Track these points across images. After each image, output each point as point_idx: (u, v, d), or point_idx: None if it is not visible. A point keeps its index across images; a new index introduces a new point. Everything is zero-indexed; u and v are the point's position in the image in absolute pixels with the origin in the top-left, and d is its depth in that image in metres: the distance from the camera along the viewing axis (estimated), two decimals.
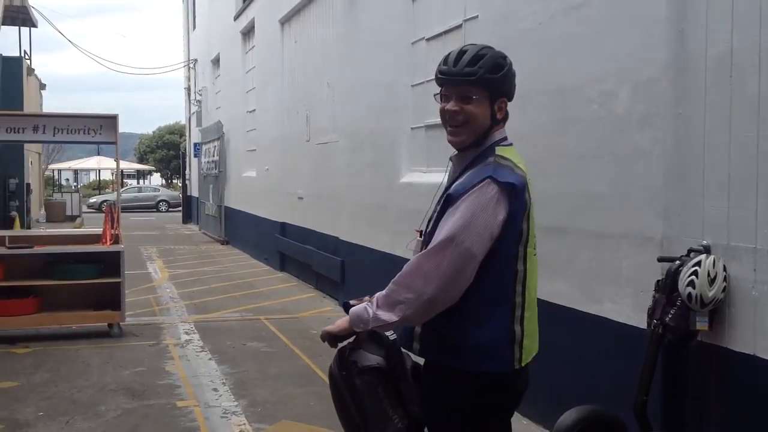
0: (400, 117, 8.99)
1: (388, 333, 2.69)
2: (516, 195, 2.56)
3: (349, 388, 2.69)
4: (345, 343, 2.75)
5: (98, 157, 48.22)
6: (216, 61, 23.80)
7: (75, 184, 60.35)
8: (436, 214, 2.71)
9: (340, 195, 11.31)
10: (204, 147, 24.79)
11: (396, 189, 9.00)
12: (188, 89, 29.09)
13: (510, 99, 2.74)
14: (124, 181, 59.03)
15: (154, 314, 10.69)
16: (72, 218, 29.85)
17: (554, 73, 5.69)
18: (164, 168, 63.83)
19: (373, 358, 2.66)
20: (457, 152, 2.79)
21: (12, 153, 22.66)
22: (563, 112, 5.61)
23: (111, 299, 9.03)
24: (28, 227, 23.39)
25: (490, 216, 2.51)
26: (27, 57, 26.35)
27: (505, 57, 2.72)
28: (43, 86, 31.31)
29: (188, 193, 30.92)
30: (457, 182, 2.66)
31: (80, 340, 8.92)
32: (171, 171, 63.36)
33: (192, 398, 6.72)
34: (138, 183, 57.97)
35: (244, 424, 6.06)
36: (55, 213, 30.98)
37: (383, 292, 2.58)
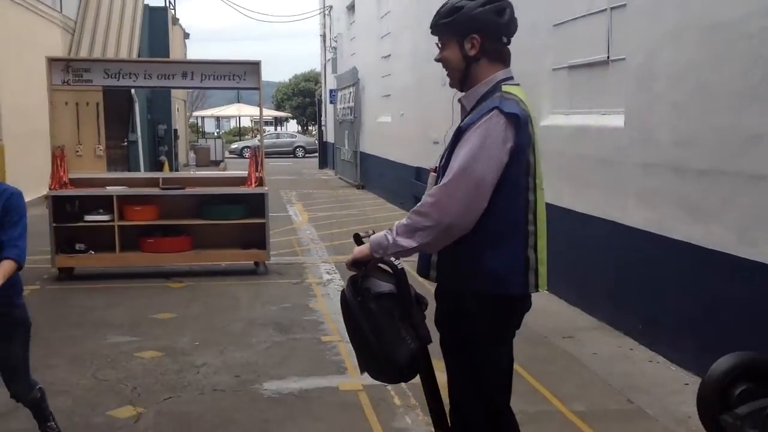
0: (541, 58, 8.78)
1: (396, 263, 2.82)
2: (521, 126, 2.72)
3: (365, 313, 2.83)
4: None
5: (238, 104, 49.79)
6: (351, 8, 23.94)
7: (217, 130, 62.63)
8: (448, 149, 2.87)
9: None
10: (339, 93, 25.13)
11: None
12: (323, 37, 29.44)
13: (488, 36, 2.86)
14: (263, 127, 60.77)
15: (296, 254, 11.07)
16: (216, 163, 31.11)
17: (710, 7, 5.39)
18: (300, 115, 65.14)
19: (385, 286, 2.84)
20: (463, 94, 2.97)
21: (161, 100, 23.78)
22: (720, 49, 5.32)
23: (256, 239, 9.41)
24: (176, 171, 24.56)
25: (498, 144, 2.68)
26: (171, 7, 27.39)
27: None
28: (186, 35, 32.49)
29: (324, 139, 31.54)
30: (467, 118, 2.84)
31: (229, 277, 9.37)
32: (307, 118, 64.62)
33: (335, 333, 6.95)
34: (275, 129, 59.50)
35: None
36: (200, 158, 32.34)
37: (402, 221, 2.77)
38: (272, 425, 4.90)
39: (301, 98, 63.38)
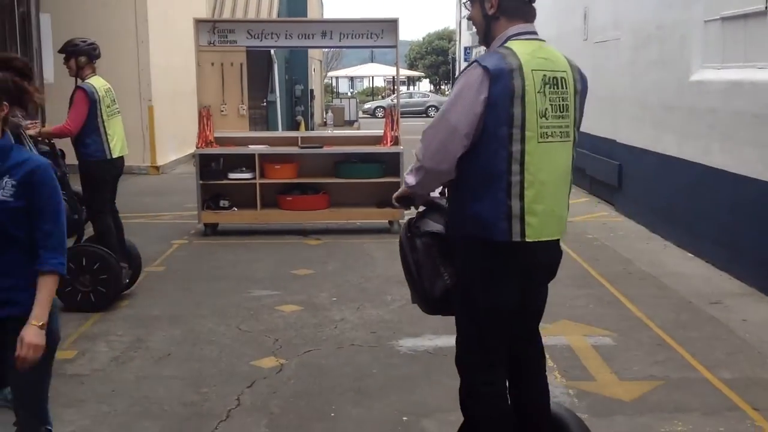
0: (692, 9, 8.29)
1: (443, 201, 3.12)
2: (498, 79, 2.80)
3: (411, 248, 3.15)
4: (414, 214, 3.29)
5: (372, 64, 50.07)
6: None
7: (351, 90, 63.38)
8: None
9: (619, 96, 10.81)
10: (474, 51, 24.79)
11: (685, 87, 8.40)
12: None
13: None
14: (395, 87, 60.94)
15: None
16: (350, 123, 31.49)
17: None
18: (433, 74, 64.90)
19: (434, 225, 3.14)
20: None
21: (298, 61, 24.22)
22: None
23: (391, 198, 9.42)
24: (312, 130, 25.05)
25: (473, 94, 2.81)
26: None
27: None
28: None
29: None
30: None
31: (364, 235, 9.49)
32: (440, 77, 64.32)
33: None
34: (408, 89, 59.63)
35: None
36: (335, 117, 32.83)
37: (416, 155, 3.03)
38: (408, 381, 4.95)
39: (434, 57, 63.08)
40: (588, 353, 5.43)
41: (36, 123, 6.33)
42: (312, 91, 27.34)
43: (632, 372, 5.10)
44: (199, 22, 9.30)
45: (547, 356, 5.28)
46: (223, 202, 9.27)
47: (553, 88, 2.91)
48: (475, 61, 2.90)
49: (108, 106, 6.47)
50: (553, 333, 5.85)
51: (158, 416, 4.43)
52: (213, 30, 9.17)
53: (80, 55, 6.39)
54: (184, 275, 7.54)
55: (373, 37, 9.35)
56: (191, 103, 17.38)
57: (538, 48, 2.96)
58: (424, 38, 67.24)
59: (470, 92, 2.83)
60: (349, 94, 58.11)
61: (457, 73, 30.97)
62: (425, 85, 68.29)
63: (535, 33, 3.02)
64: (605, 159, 11.36)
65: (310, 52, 25.41)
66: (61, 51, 6.48)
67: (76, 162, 6.50)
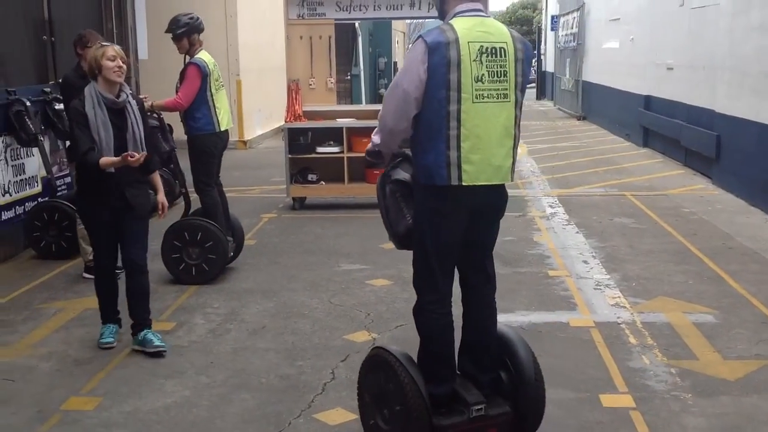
0: None
1: (409, 153, 3.63)
2: (435, 51, 3.31)
3: (383, 194, 3.72)
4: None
5: None
6: None
7: None
8: None
9: (717, 63, 10.36)
10: (562, 19, 24.20)
11: None
12: None
13: None
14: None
15: (517, 187, 10.89)
16: None
17: None
18: None
19: (401, 174, 3.66)
20: None
21: (382, 34, 24.12)
22: None
23: None
24: None
25: (417, 64, 3.34)
26: None
27: None
28: None
29: (542, 69, 30.68)
30: None
31: None
32: None
33: (562, 268, 6.79)
34: None
35: (619, 297, 5.99)
36: None
37: (379, 119, 3.56)
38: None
39: (518, 26, 61.84)
40: (689, 331, 5.25)
41: (146, 97, 6.45)
42: (395, 63, 27.23)
43: (736, 351, 4.92)
44: None
45: (646, 333, 5.19)
46: (311, 176, 9.31)
47: (491, 57, 3.38)
48: (420, 36, 3.42)
49: (216, 80, 6.57)
50: (650, 309, 5.70)
51: (256, 388, 4.50)
52: (302, 3, 9.18)
53: (192, 33, 6.48)
54: (275, 249, 7.63)
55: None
56: (277, 78, 17.58)
57: (479, 23, 3.42)
58: (507, 8, 66.06)
59: (415, 63, 3.36)
60: None
61: (542, 43, 30.39)
62: None
63: (479, 10, 3.47)
64: (702, 129, 10.94)
65: (394, 23, 25.25)
66: (169, 31, 6.53)
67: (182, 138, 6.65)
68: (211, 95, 6.50)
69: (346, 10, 9.23)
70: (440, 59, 3.31)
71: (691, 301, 5.84)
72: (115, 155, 4.69)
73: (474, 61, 3.34)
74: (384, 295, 6.15)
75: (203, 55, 6.51)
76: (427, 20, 15.11)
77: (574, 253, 7.27)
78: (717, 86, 10.39)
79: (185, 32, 6.47)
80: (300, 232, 8.27)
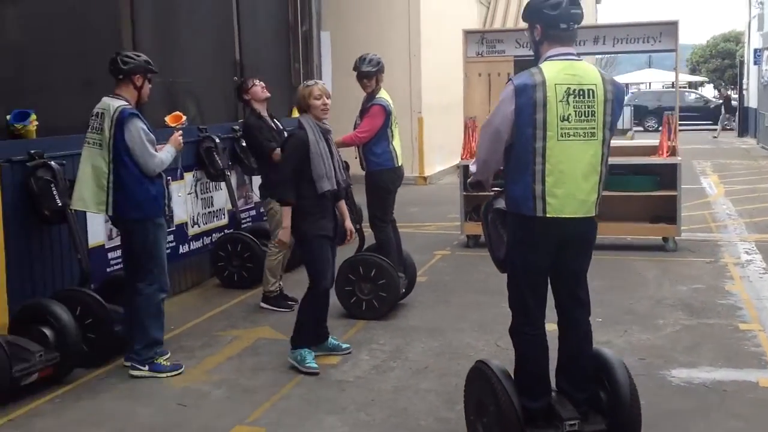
0: None
1: None
2: (522, 93, 3.62)
3: (484, 221, 4.07)
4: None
5: (649, 69, 47.81)
6: None
7: (626, 97, 60.91)
8: None
9: None
10: (766, 53, 22.64)
11: None
12: None
13: (546, 25, 3.72)
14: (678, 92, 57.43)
15: (710, 231, 10.21)
16: (624, 131, 30.17)
17: None
18: (718, 78, 60.47)
19: (501, 203, 3.93)
20: None
21: None
22: None
23: (666, 213, 8.83)
24: None
25: (506, 104, 3.68)
26: None
27: None
28: (598, 1, 31.92)
29: (745, 104, 28.80)
30: None
31: (634, 251, 8.95)
32: (725, 81, 59.82)
33: (755, 322, 6.22)
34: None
35: None
36: None
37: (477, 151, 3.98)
38: (680, 416, 4.51)
39: (720, 60, 58.72)
40: None
41: None
42: None
43: None
44: (468, 34, 9.33)
45: None
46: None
47: (578, 98, 3.63)
48: (510, 79, 3.77)
49: (395, 118, 6.71)
50: None
51: (413, 429, 4.43)
52: (482, 41, 9.16)
53: (381, 73, 6.65)
54: (445, 287, 7.55)
55: (651, 41, 8.78)
56: (458, 115, 17.66)
57: (568, 66, 3.68)
58: (708, 41, 62.90)
59: (504, 103, 3.69)
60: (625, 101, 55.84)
61: (744, 78, 28.57)
62: (708, 90, 63.85)
63: (570, 54, 3.73)
64: None
65: (584, 58, 24.72)
66: (360, 69, 6.64)
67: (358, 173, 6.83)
68: (391, 132, 6.62)
69: (526, 47, 9.08)
70: (527, 100, 3.62)
71: None
72: None
73: (560, 101, 3.62)
74: (551, 340, 5.86)
75: (385, 95, 6.66)
76: (619, 55, 14.64)
77: None
78: None
79: (377, 71, 6.62)
80: (472, 270, 8.14)
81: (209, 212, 7.82)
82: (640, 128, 32.00)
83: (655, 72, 46.43)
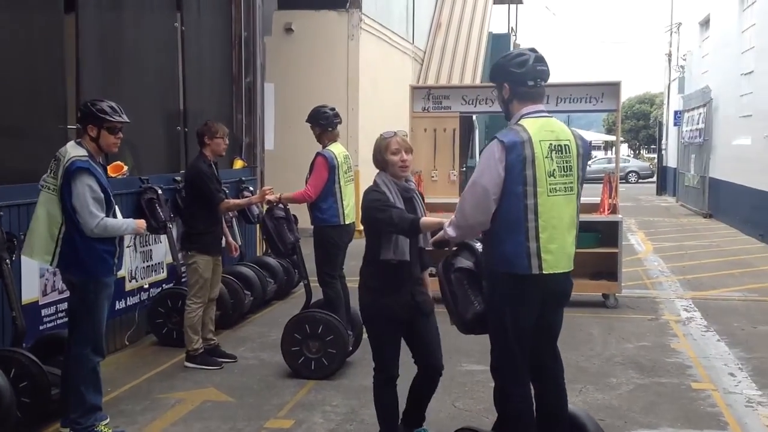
0: None
1: (477, 246, 3.90)
2: (512, 150, 3.62)
3: (447, 281, 3.90)
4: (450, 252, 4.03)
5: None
6: (705, 23, 22.34)
7: None
8: None
9: None
10: (686, 115, 23.56)
11: None
12: (669, 55, 27.91)
13: (514, 83, 3.79)
14: (592, 153, 59.32)
15: (646, 287, 10.35)
16: None
17: None
18: (632, 138, 62.72)
19: (464, 262, 3.89)
20: None
21: (497, 125, 24.03)
22: None
23: (606, 269, 8.89)
24: None
25: (495, 163, 3.64)
26: (513, 33, 27.75)
27: (506, 56, 3.91)
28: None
29: (664, 164, 29.84)
30: None
31: (577, 308, 8.92)
32: (639, 142, 62.06)
33: (707, 381, 6.23)
34: (605, 154, 57.82)
35: None
36: None
37: (455, 215, 3.81)
38: None
39: (635, 121, 61.00)
40: None
41: (271, 189, 6.50)
42: None
43: None
44: (414, 89, 9.34)
45: None
46: (432, 269, 9.06)
47: (559, 154, 3.68)
48: (495, 137, 3.70)
49: (345, 173, 6.56)
50: None
51: None
52: (428, 96, 9.18)
53: (316, 126, 6.57)
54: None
55: (593, 101, 8.95)
56: None
57: (545, 123, 3.75)
58: (624, 102, 65.39)
59: (493, 161, 3.64)
60: None
61: (663, 138, 29.64)
62: (623, 150, 66.11)
63: (542, 111, 3.81)
64: None
65: None
66: (307, 120, 6.64)
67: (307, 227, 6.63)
68: (340, 188, 6.46)
69: (472, 104, 9.16)
70: (517, 157, 3.62)
71: None
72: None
73: (546, 157, 3.66)
74: None
75: (334, 147, 6.53)
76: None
77: (718, 364, 6.69)
78: None
79: (312, 122, 6.53)
80: None
81: (148, 266, 7.49)
82: None
83: (575, 131, 47.61)
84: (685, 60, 24.93)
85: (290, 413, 5.50)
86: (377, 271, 4.30)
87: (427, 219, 4.19)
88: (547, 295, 3.77)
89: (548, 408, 3.91)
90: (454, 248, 4.00)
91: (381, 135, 4.43)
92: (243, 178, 9.36)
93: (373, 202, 4.22)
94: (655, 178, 31.66)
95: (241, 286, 7.92)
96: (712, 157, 20.17)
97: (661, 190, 29.35)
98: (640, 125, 59.76)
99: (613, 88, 8.94)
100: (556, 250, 3.68)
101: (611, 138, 56.99)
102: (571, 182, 3.73)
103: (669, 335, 7.73)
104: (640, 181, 40.72)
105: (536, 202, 3.63)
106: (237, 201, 6.64)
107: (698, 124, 21.26)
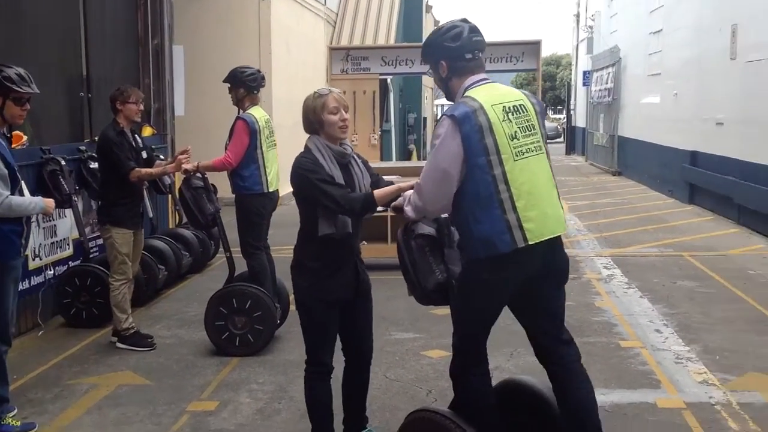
0: None
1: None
2: (464, 121, 3.33)
3: (407, 249, 3.61)
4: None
5: None
6: None
7: None
8: None
9: None
10: (595, 75, 23.91)
11: None
12: (577, 15, 28.22)
13: (451, 59, 3.51)
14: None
15: (565, 246, 10.34)
16: None
17: None
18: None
19: (427, 228, 3.61)
20: None
21: (412, 89, 23.96)
22: None
23: None
24: (424, 159, 24.63)
25: (449, 140, 3.35)
26: None
27: (437, 30, 3.60)
28: (436, 23, 32.64)
29: (573, 124, 30.34)
30: None
31: None
32: (546, 103, 63.19)
33: (634, 338, 6.24)
34: None
35: (705, 372, 5.43)
36: None
37: (413, 195, 3.51)
38: None
39: (543, 83, 62.03)
40: None
41: (187, 156, 6.09)
42: (425, 119, 27.03)
43: None
44: (332, 50, 9.03)
45: (747, 417, 4.62)
46: (364, 242, 8.84)
47: (516, 114, 3.41)
48: (443, 114, 3.44)
49: (267, 137, 6.22)
50: (744, 387, 5.15)
51: None
52: (346, 58, 8.88)
53: (239, 87, 6.16)
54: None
55: (513, 61, 8.84)
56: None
57: (492, 88, 3.51)
58: None
59: (447, 139, 3.35)
60: None
61: (572, 98, 30.09)
62: None
63: (485, 79, 3.54)
64: (762, 187, 10.40)
65: (424, 79, 25.12)
66: (224, 81, 6.27)
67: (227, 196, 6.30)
68: (262, 153, 6.14)
69: (392, 65, 8.92)
70: (471, 127, 3.34)
71: None
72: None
73: (503, 121, 3.38)
74: (443, 368, 5.59)
75: (254, 111, 6.18)
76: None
77: (643, 321, 6.72)
78: None
79: (232, 84, 6.16)
80: None
81: (53, 243, 6.99)
82: None
83: None
84: (593, 20, 25.25)
85: (214, 394, 5.21)
86: (316, 249, 3.84)
87: (381, 191, 3.73)
88: (539, 268, 3.43)
89: (572, 403, 3.55)
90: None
91: (314, 92, 3.89)
92: (153, 146, 8.87)
93: (308, 173, 3.73)
94: (563, 139, 32.17)
95: (155, 260, 7.51)
96: (621, 116, 20.55)
97: (570, 149, 29.87)
98: (547, 86, 60.72)
99: (534, 47, 8.86)
100: (537, 216, 3.36)
101: None
102: (537, 141, 3.45)
103: (592, 294, 7.75)
104: (547, 141, 41.29)
105: (503, 170, 3.33)
106: (149, 170, 6.17)
107: (607, 83, 21.60)
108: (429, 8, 28.08)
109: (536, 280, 3.46)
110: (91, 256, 7.29)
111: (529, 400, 3.76)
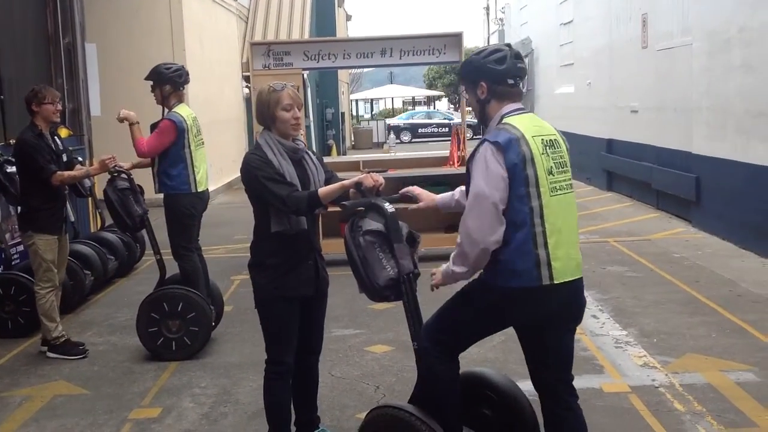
0: None
1: (387, 206, 3.49)
2: (509, 149, 3.18)
3: (356, 245, 3.46)
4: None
5: (391, 85, 49.76)
6: None
7: (371, 113, 62.95)
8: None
9: (692, 104, 10.22)
10: None
11: None
12: (487, 8, 28.62)
13: (493, 81, 3.33)
14: (412, 107, 60.28)
15: None
16: (379, 145, 30.94)
17: None
18: (453, 93, 64.46)
19: (374, 224, 3.46)
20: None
21: (328, 84, 23.82)
22: None
23: (459, 222, 8.88)
24: (344, 155, 24.55)
25: (495, 166, 3.16)
26: None
27: (480, 52, 3.46)
28: (349, 17, 32.55)
29: None
30: None
31: (433, 262, 8.89)
32: (459, 96, 63.90)
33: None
34: (427, 109, 59.07)
35: (645, 355, 5.55)
36: (363, 140, 32.24)
37: (455, 251, 3.32)
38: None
39: (454, 76, 62.64)
40: (735, 392, 4.82)
41: (111, 157, 5.86)
42: (343, 114, 26.93)
43: None
44: (253, 45, 8.84)
45: (690, 398, 4.74)
46: None
47: (552, 149, 3.29)
48: (484, 140, 3.25)
49: (195, 136, 6.03)
50: (684, 369, 5.27)
51: None
52: (268, 53, 8.70)
53: (164, 84, 5.92)
54: (255, 315, 6.97)
55: (436, 53, 8.84)
56: (227, 131, 16.97)
57: (531, 118, 3.39)
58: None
59: (492, 165, 3.18)
60: (370, 116, 57.69)
61: None
62: (444, 105, 67.80)
63: (522, 108, 3.41)
64: (678, 172, 10.75)
65: (339, 74, 25.02)
66: (146, 78, 6.02)
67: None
68: (190, 153, 5.95)
69: (315, 59, 8.79)
70: (515, 155, 3.19)
71: (723, 357, 5.44)
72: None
73: (542, 154, 3.26)
74: (388, 363, 5.60)
75: (181, 110, 5.97)
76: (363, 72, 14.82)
77: None
78: (693, 127, 10.23)
79: (156, 81, 5.95)
80: None
81: None
82: (398, 141, 32.89)
83: (396, 88, 48.36)
84: (503, 12, 25.66)
85: (155, 400, 5.04)
86: (272, 246, 3.79)
87: (325, 189, 3.68)
88: (558, 307, 3.33)
89: None
90: (360, 208, 3.57)
91: (269, 86, 3.76)
92: (70, 148, 8.52)
93: (255, 170, 3.67)
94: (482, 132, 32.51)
95: (80, 265, 7.22)
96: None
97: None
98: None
99: (455, 39, 8.88)
100: (563, 256, 3.26)
101: (433, 93, 58.38)
102: (569, 179, 3.34)
103: None
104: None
105: (540, 204, 3.22)
106: (72, 173, 5.89)
107: None
108: (341, 2, 27.97)
109: (553, 318, 3.36)
110: (13, 263, 6.95)
111: (489, 392, 3.70)
